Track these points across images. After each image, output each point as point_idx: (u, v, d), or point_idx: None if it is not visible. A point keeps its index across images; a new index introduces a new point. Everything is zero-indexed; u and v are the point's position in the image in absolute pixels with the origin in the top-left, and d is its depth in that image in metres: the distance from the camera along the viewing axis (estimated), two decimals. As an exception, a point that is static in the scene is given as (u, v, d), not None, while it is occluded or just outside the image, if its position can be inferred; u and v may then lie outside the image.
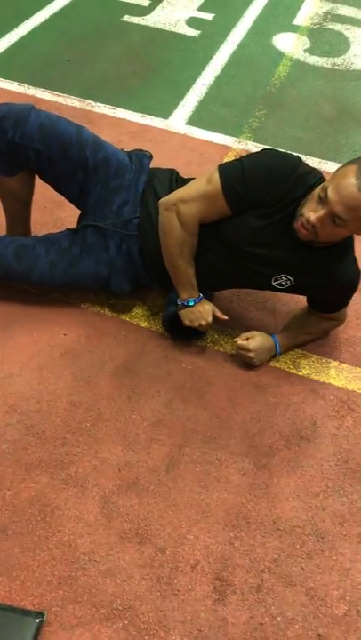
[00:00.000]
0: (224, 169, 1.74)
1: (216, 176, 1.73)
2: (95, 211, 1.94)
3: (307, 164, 1.76)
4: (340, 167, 1.65)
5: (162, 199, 1.82)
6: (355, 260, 1.86)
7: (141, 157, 1.98)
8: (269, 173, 1.70)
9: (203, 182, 1.76)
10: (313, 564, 1.56)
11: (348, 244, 1.81)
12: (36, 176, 1.96)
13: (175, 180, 1.96)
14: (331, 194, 1.58)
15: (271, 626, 1.44)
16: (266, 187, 1.70)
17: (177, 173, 2.00)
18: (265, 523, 1.62)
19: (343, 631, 1.45)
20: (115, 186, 1.91)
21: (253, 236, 1.78)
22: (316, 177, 1.73)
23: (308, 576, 1.53)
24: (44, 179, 1.94)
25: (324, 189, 1.61)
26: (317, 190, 1.64)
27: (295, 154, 2.79)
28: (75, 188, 1.92)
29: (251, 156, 1.78)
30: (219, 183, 1.72)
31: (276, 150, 1.82)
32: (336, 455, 1.78)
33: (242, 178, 1.71)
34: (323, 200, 1.61)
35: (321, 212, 1.62)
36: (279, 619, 1.46)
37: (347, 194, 1.57)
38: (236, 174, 1.72)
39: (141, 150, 2.02)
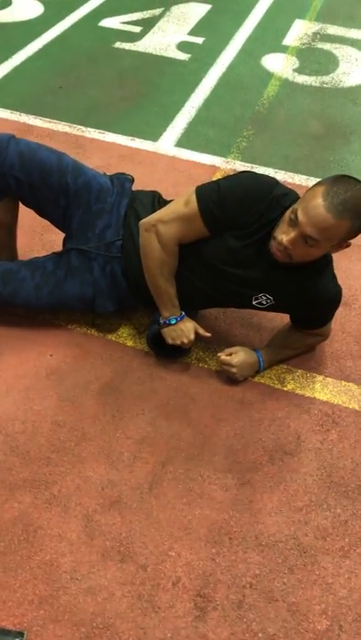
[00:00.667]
0: (201, 191, 1.77)
1: (193, 198, 1.76)
2: (78, 234, 1.98)
3: (283, 186, 1.79)
4: (310, 188, 1.66)
5: (142, 220, 1.86)
6: (334, 276, 1.88)
7: (123, 181, 2.02)
8: (245, 195, 1.73)
9: (181, 204, 1.79)
10: (295, 578, 1.55)
11: (325, 262, 1.83)
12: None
13: (157, 201, 2.00)
14: (300, 216, 1.60)
15: (252, 642, 1.44)
16: (242, 208, 1.73)
17: (159, 195, 2.04)
18: (247, 538, 1.62)
19: (324, 646, 1.44)
20: (97, 210, 1.95)
21: (232, 256, 1.80)
22: (292, 198, 1.75)
23: (289, 591, 1.53)
24: (26, 205, 1.98)
25: (294, 211, 1.63)
26: (288, 213, 1.66)
27: (282, 171, 2.86)
28: (58, 212, 1.97)
29: (228, 177, 1.81)
30: (196, 205, 1.75)
31: (252, 172, 1.85)
32: (320, 469, 1.78)
33: (218, 199, 1.74)
34: (293, 222, 1.63)
35: (292, 234, 1.64)
36: (260, 635, 1.46)
37: (315, 215, 1.59)
38: (213, 196, 1.75)
39: (123, 174, 2.06)
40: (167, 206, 1.85)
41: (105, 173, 2.06)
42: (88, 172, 1.95)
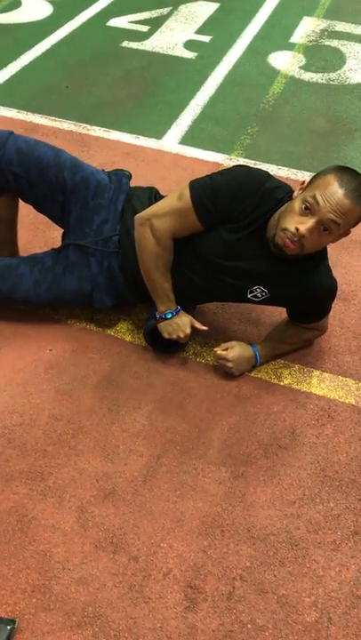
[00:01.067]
0: (194, 185, 1.79)
1: (187, 192, 1.78)
2: (76, 230, 2.00)
3: (276, 179, 1.80)
4: (317, 179, 1.68)
5: (137, 215, 1.88)
6: (329, 269, 1.88)
7: (120, 177, 2.04)
8: (238, 188, 1.74)
9: (175, 198, 1.81)
10: (286, 571, 1.56)
11: (321, 255, 1.83)
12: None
13: (154, 197, 2.01)
14: (321, 202, 1.62)
15: (241, 633, 1.45)
16: (235, 201, 1.74)
17: (156, 191, 2.05)
18: (239, 531, 1.63)
19: (313, 638, 1.44)
20: (94, 205, 1.97)
21: (226, 249, 1.81)
22: (285, 191, 1.77)
23: (280, 583, 1.54)
24: (25, 200, 2.01)
25: (310, 199, 1.63)
26: (298, 203, 1.67)
27: (285, 168, 2.86)
28: (56, 208, 1.99)
29: (221, 172, 1.83)
30: (189, 199, 1.77)
31: (245, 166, 1.87)
32: (314, 463, 1.79)
33: (211, 193, 1.75)
34: (310, 210, 1.64)
35: (310, 222, 1.64)
36: (249, 626, 1.46)
37: (336, 200, 1.62)
38: (206, 190, 1.76)
39: (121, 170, 2.08)
40: (161, 201, 1.86)
41: (103, 170, 2.08)
42: (86, 168, 1.97)
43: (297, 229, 1.65)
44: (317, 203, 1.62)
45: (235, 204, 1.74)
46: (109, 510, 1.66)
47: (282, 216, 1.71)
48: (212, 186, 1.75)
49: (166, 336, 1.94)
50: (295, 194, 1.71)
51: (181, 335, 1.92)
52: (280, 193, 1.75)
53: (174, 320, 1.92)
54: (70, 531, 1.61)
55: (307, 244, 1.69)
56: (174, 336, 1.93)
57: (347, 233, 1.73)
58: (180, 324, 1.92)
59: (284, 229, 1.68)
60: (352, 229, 1.74)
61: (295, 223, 1.66)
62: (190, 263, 1.88)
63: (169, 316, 1.91)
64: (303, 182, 1.73)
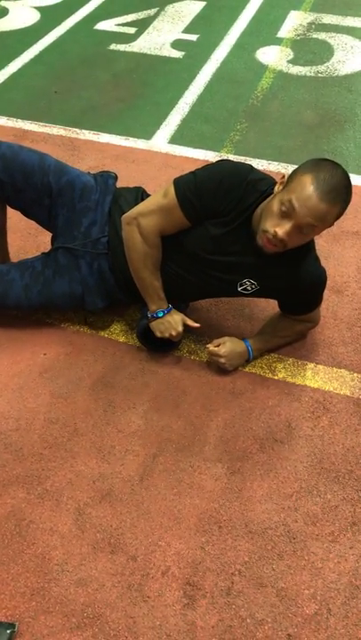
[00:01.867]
0: (179, 182, 1.79)
1: (171, 189, 1.78)
2: (65, 233, 2.00)
3: (259, 171, 1.80)
4: (294, 177, 1.66)
5: (124, 215, 1.88)
6: (316, 258, 1.89)
7: (107, 178, 2.04)
8: (221, 182, 1.74)
9: (160, 196, 1.81)
10: (284, 564, 1.56)
11: (308, 246, 1.83)
12: (8, 204, 2.05)
13: (141, 197, 2.01)
14: (297, 207, 1.61)
15: (240, 628, 1.45)
16: (218, 195, 1.74)
17: (143, 191, 2.05)
18: (237, 526, 1.63)
19: (313, 630, 1.44)
20: (81, 208, 1.98)
21: (214, 244, 1.81)
22: (269, 183, 1.77)
23: (278, 577, 1.54)
24: (12, 206, 2.02)
25: (285, 203, 1.62)
26: (276, 205, 1.65)
27: (275, 162, 2.86)
28: (43, 212, 2.00)
29: (204, 167, 1.83)
30: (174, 196, 1.77)
31: (228, 160, 1.87)
32: (310, 456, 1.78)
33: (195, 189, 1.75)
34: (287, 213, 1.63)
35: (287, 225, 1.64)
36: (248, 620, 1.46)
37: (311, 205, 1.60)
38: (190, 186, 1.76)
39: (107, 172, 2.09)
40: (147, 199, 1.87)
41: (89, 172, 2.08)
42: (71, 172, 1.98)
43: (275, 232, 1.65)
44: (293, 208, 1.61)
45: (219, 198, 1.74)
46: (107, 511, 1.66)
47: (263, 214, 1.70)
48: (196, 181, 1.75)
49: (158, 335, 1.94)
50: (275, 188, 1.71)
51: (173, 333, 1.92)
52: (264, 185, 1.75)
53: (166, 318, 1.92)
54: (68, 533, 1.61)
55: (288, 244, 1.69)
56: (166, 334, 1.93)
57: (330, 224, 1.72)
58: (172, 323, 1.92)
59: (265, 231, 1.68)
60: (345, 228, 1.73)
61: (274, 226, 1.66)
62: (179, 260, 1.88)
63: (160, 314, 1.92)
64: (283, 176, 1.73)
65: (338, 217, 1.69)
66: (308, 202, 1.60)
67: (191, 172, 1.81)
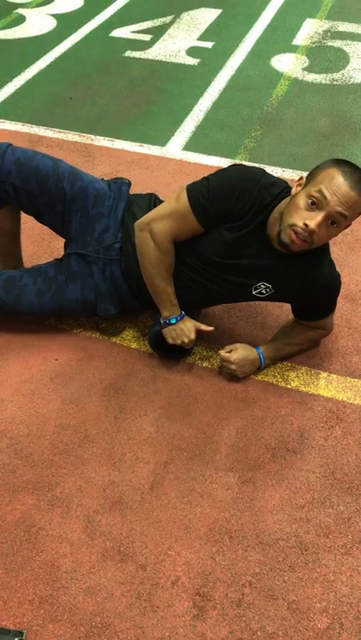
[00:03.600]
0: (191, 187, 1.79)
1: (184, 195, 1.77)
2: (78, 239, 2.00)
3: (271, 175, 1.79)
4: (318, 173, 1.67)
5: (137, 221, 1.87)
6: (331, 262, 1.88)
7: (120, 185, 2.04)
8: (233, 187, 1.73)
9: (172, 202, 1.81)
10: (296, 576, 1.53)
11: (323, 248, 1.82)
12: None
13: (154, 203, 2.01)
14: (329, 195, 1.62)
15: (251, 640, 1.43)
16: (232, 200, 1.74)
17: (156, 197, 2.05)
18: (248, 537, 1.61)
19: (325, 645, 1.42)
20: (94, 214, 1.97)
21: (227, 248, 1.81)
22: (282, 186, 1.77)
23: (290, 589, 1.51)
24: (26, 212, 2.02)
25: (316, 194, 1.63)
26: (302, 199, 1.65)
27: (290, 170, 2.85)
28: (56, 218, 2.00)
29: (216, 172, 1.82)
30: (187, 201, 1.76)
31: (241, 165, 1.86)
32: (323, 466, 1.76)
33: (208, 194, 1.75)
34: (317, 205, 1.63)
35: (318, 216, 1.64)
36: (259, 633, 1.44)
37: (343, 192, 1.62)
38: (203, 191, 1.76)
39: (121, 178, 2.08)
40: (160, 205, 1.86)
41: (103, 179, 2.08)
42: (85, 178, 1.98)
43: (306, 225, 1.64)
44: (325, 197, 1.62)
45: (232, 203, 1.74)
46: (116, 519, 1.65)
47: (286, 213, 1.69)
48: (209, 187, 1.75)
49: (171, 341, 1.93)
50: (294, 190, 1.70)
51: (186, 340, 1.91)
52: (277, 188, 1.75)
53: (178, 325, 1.91)
54: (78, 540, 1.60)
55: (316, 238, 1.68)
56: (179, 341, 1.92)
57: (348, 225, 1.72)
58: (185, 329, 1.91)
59: (292, 225, 1.67)
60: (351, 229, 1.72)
61: (303, 219, 1.65)
62: (193, 265, 1.87)
63: (173, 321, 1.91)
64: (301, 178, 1.72)
65: None
66: (340, 189, 1.62)
67: (204, 178, 1.80)
